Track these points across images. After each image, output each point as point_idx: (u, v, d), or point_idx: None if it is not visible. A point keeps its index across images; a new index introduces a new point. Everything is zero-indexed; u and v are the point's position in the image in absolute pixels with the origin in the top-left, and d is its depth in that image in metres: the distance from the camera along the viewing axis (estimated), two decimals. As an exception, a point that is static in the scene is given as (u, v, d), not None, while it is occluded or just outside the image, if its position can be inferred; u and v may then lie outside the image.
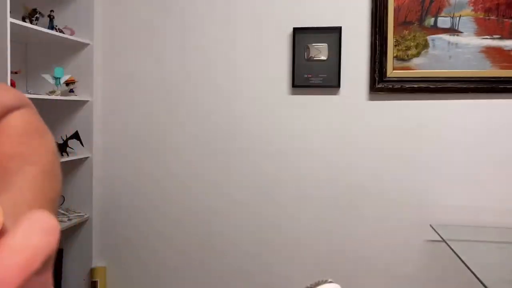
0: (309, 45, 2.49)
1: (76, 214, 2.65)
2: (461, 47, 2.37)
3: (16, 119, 0.34)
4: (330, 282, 0.86)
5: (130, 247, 2.77)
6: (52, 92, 2.48)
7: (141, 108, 2.72)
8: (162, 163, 2.71)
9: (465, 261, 1.79)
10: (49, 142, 0.36)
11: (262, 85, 2.58)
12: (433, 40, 2.39)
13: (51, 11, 2.56)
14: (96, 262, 2.78)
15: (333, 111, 2.52)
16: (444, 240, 2.13)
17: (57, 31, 2.50)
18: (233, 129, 2.62)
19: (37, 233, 0.23)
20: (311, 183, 2.55)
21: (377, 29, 2.42)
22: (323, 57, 2.48)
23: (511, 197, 2.39)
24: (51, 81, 2.47)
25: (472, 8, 2.36)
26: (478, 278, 1.62)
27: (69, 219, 2.55)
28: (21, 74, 2.67)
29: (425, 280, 2.47)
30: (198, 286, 2.70)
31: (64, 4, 2.66)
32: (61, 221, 2.53)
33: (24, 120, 0.33)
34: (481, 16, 2.36)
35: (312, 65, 2.49)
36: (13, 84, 2.22)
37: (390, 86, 2.43)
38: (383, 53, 2.42)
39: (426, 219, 2.45)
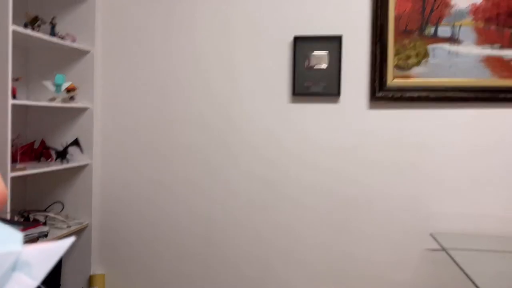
0: (309, 53, 2.50)
1: (76, 221, 2.64)
2: (461, 56, 2.38)
3: None
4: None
5: (129, 254, 2.76)
6: (53, 99, 2.48)
7: (141, 116, 2.72)
8: (162, 170, 2.71)
9: (465, 270, 1.79)
10: None
11: (263, 93, 2.58)
12: (433, 49, 2.40)
13: (53, 18, 2.57)
14: (95, 269, 2.77)
15: (333, 120, 2.52)
16: (444, 249, 2.13)
17: (58, 38, 2.51)
18: (233, 137, 2.62)
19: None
20: (310, 191, 2.55)
21: (378, 38, 2.43)
22: (324, 66, 2.49)
23: (511, 205, 2.38)
24: (52, 88, 2.47)
25: (472, 17, 2.37)
26: (478, 287, 1.61)
27: (68, 226, 2.54)
28: (22, 81, 2.67)
29: (425, 289, 2.46)
30: (197, 294, 2.69)
31: (65, 11, 2.67)
32: (60, 228, 2.52)
33: None
34: (481, 26, 2.37)
35: (312, 73, 2.50)
36: (13, 91, 2.22)
37: (390, 95, 2.43)
38: (384, 62, 2.43)
39: (426, 228, 2.45)
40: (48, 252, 0.34)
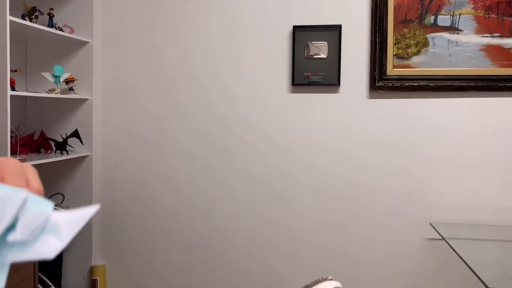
0: (309, 43, 2.49)
1: (76, 212, 2.64)
2: (461, 45, 2.37)
3: None
4: (330, 279, 0.87)
5: (130, 245, 2.77)
6: (52, 91, 2.48)
7: (141, 106, 2.72)
8: (162, 161, 2.71)
9: (464, 259, 1.80)
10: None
11: (262, 83, 2.58)
12: (433, 38, 2.39)
13: (51, 9, 2.56)
14: (96, 261, 2.79)
15: (333, 110, 2.52)
16: (444, 238, 2.13)
17: (56, 29, 2.50)
18: (233, 127, 2.62)
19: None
20: (310, 181, 2.55)
21: (377, 27, 2.42)
22: (323, 55, 2.48)
23: (511, 195, 2.39)
24: (51, 79, 2.47)
25: (472, 6, 2.36)
26: (477, 276, 1.62)
27: (69, 217, 2.55)
28: (21, 72, 2.66)
29: (425, 278, 2.47)
30: (199, 284, 2.70)
31: (63, 2, 2.66)
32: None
33: None
34: (481, 14, 2.35)
35: (312, 63, 2.49)
36: (12, 82, 2.22)
37: (390, 84, 2.43)
38: (383, 51, 2.42)
39: (426, 217, 2.45)
40: (75, 218, 0.39)
